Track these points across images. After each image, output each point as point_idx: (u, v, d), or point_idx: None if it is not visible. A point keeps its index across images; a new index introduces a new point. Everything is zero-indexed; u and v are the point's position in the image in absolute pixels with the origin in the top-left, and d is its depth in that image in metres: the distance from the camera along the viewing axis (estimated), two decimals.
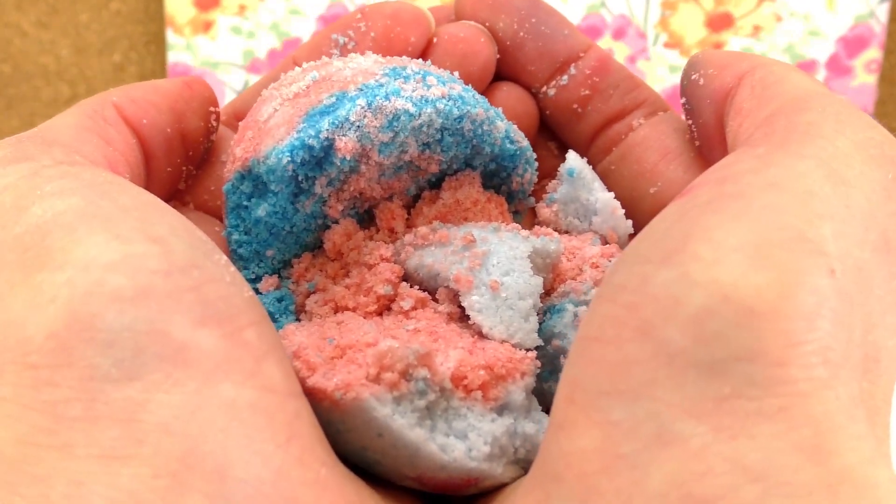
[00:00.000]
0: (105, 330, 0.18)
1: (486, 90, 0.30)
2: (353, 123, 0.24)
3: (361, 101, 0.25)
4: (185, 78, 0.28)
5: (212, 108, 0.29)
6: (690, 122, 0.27)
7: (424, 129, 0.26)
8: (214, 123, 0.29)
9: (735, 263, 0.17)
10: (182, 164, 0.28)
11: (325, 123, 0.24)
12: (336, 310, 0.26)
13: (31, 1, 0.78)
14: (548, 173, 0.31)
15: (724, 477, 0.16)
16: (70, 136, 0.24)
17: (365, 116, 0.24)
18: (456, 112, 0.25)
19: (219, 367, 0.18)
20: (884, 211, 0.19)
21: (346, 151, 0.25)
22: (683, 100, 0.27)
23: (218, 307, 0.19)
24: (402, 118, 0.25)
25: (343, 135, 0.24)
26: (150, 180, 0.27)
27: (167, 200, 0.29)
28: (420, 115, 0.25)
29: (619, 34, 0.78)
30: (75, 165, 0.22)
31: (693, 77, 0.26)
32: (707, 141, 0.26)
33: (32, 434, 0.17)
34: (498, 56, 0.30)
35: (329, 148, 0.25)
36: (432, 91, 0.25)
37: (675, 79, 0.76)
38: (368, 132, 0.25)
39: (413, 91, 0.25)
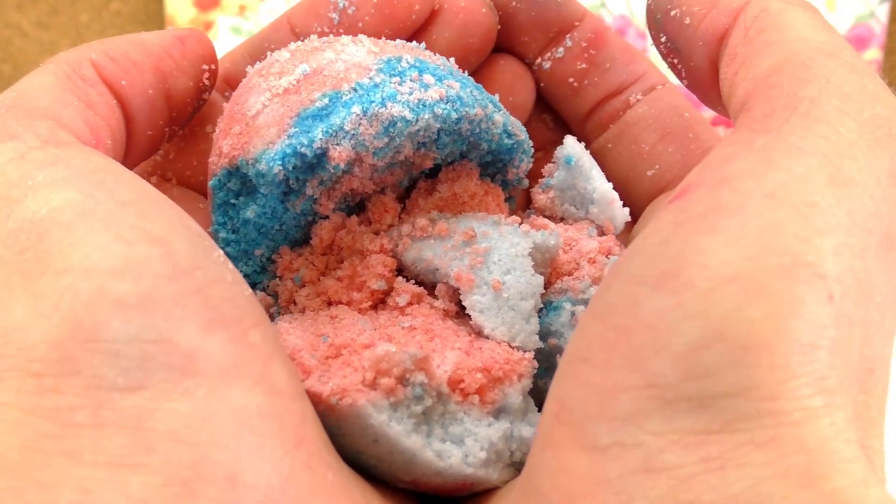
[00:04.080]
0: (110, 340, 0.18)
1: (483, 62, 0.29)
2: (347, 132, 0.24)
3: (356, 109, 0.24)
4: (178, 31, 0.27)
5: (206, 66, 0.27)
6: (676, 60, 0.26)
7: (421, 133, 0.25)
8: (208, 82, 0.27)
9: (730, 296, 0.17)
10: (165, 126, 0.27)
11: (318, 132, 0.24)
12: (329, 303, 0.26)
13: (32, 1, 0.78)
14: (542, 146, 0.31)
15: None
16: (50, 100, 0.23)
17: (360, 124, 0.24)
18: (454, 115, 0.25)
19: (227, 372, 0.18)
20: (888, 203, 0.19)
21: (341, 160, 0.24)
22: (663, 38, 0.25)
23: (223, 310, 0.19)
24: (399, 124, 0.24)
25: (337, 144, 0.24)
26: (129, 143, 0.26)
27: (150, 173, 0.28)
28: (417, 121, 0.24)
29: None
30: (62, 146, 0.21)
31: (673, 14, 0.24)
32: (700, 84, 0.25)
33: (38, 440, 0.17)
34: (499, 26, 0.29)
35: (322, 156, 0.24)
36: (429, 93, 0.25)
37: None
38: (363, 140, 0.24)
39: (410, 94, 0.24)
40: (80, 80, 0.24)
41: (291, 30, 0.28)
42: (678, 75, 0.26)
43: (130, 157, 0.26)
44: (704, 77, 0.24)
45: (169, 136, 0.28)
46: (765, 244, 0.17)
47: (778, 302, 0.17)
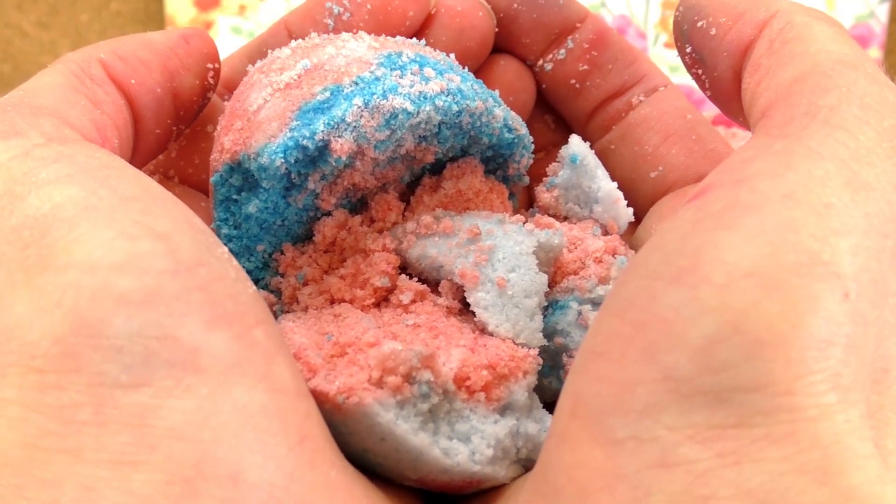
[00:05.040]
0: (113, 336, 0.17)
1: (483, 63, 0.29)
2: (349, 124, 0.24)
3: (358, 101, 0.24)
4: (182, 31, 0.27)
5: (210, 65, 0.27)
6: (700, 71, 0.26)
7: (423, 125, 0.25)
8: (212, 80, 0.28)
9: (747, 290, 0.17)
10: (173, 125, 0.27)
11: (320, 124, 0.24)
12: (331, 301, 0.26)
13: (32, 1, 0.78)
14: (543, 146, 0.31)
15: (728, 501, 0.16)
16: (56, 98, 0.23)
17: (361, 116, 0.24)
18: (455, 108, 0.25)
19: (230, 370, 0.18)
20: None
21: (343, 152, 0.24)
22: (689, 48, 0.26)
23: (227, 307, 0.19)
24: (400, 116, 0.24)
25: (339, 136, 0.24)
26: (137, 142, 0.26)
27: (151, 171, 0.28)
28: (418, 113, 0.24)
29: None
30: (67, 143, 0.21)
31: (699, 25, 0.25)
32: (722, 95, 0.25)
33: (40, 437, 0.17)
34: (496, 29, 0.29)
35: (324, 148, 0.24)
36: (430, 86, 0.25)
37: (676, 79, 0.76)
38: (365, 132, 0.24)
39: (411, 87, 0.24)
40: (88, 80, 0.24)
41: (289, 35, 0.29)
42: (702, 86, 0.26)
43: (139, 155, 0.26)
44: (727, 87, 0.24)
45: (176, 134, 0.28)
46: (782, 241, 0.17)
47: (794, 298, 0.17)
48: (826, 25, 0.22)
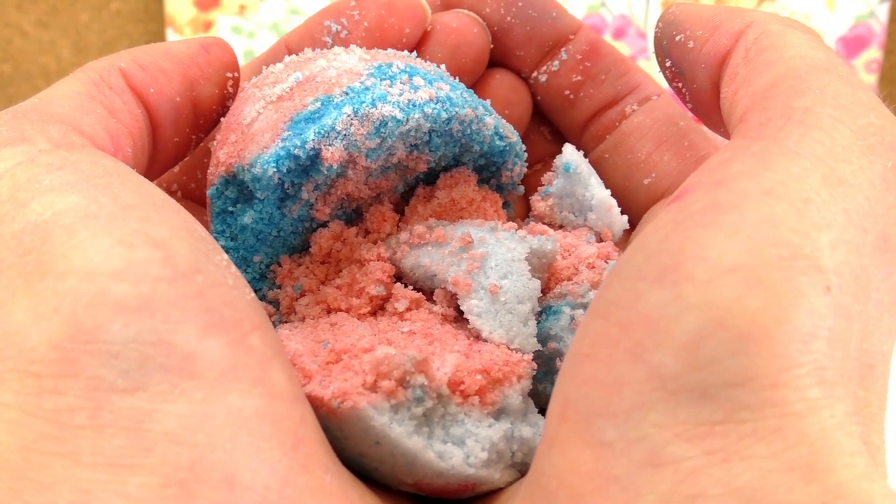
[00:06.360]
0: (110, 342, 0.18)
1: (479, 77, 0.30)
2: (339, 132, 0.24)
3: (347, 109, 0.24)
4: (203, 40, 0.27)
5: (230, 73, 0.28)
6: (681, 84, 0.26)
7: (412, 133, 0.25)
8: (231, 89, 0.28)
9: (729, 286, 0.17)
10: (192, 133, 0.27)
11: (310, 133, 0.24)
12: (328, 310, 0.26)
13: (32, 1, 0.78)
14: (540, 158, 0.31)
15: (717, 499, 0.16)
16: (72, 106, 0.23)
17: (351, 125, 0.24)
18: (444, 115, 0.25)
19: (225, 375, 0.18)
20: (882, 205, 0.19)
21: (333, 161, 0.24)
22: (668, 62, 0.26)
23: (223, 313, 0.19)
24: (390, 124, 0.25)
25: (329, 144, 0.24)
26: (156, 150, 0.26)
27: (157, 185, 0.28)
28: (408, 120, 0.25)
29: (619, 34, 0.78)
30: (73, 150, 0.21)
31: (678, 39, 0.25)
32: (702, 106, 0.25)
33: (37, 441, 0.17)
34: (491, 45, 0.29)
35: (315, 157, 0.25)
36: (419, 94, 0.25)
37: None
38: (355, 140, 0.24)
39: (400, 95, 0.25)
40: (107, 88, 0.24)
41: (289, 53, 0.29)
42: (682, 99, 0.27)
43: (158, 163, 0.27)
44: (706, 98, 0.25)
45: (195, 143, 0.28)
46: (763, 237, 0.18)
47: (777, 292, 0.17)
48: (800, 33, 0.22)
